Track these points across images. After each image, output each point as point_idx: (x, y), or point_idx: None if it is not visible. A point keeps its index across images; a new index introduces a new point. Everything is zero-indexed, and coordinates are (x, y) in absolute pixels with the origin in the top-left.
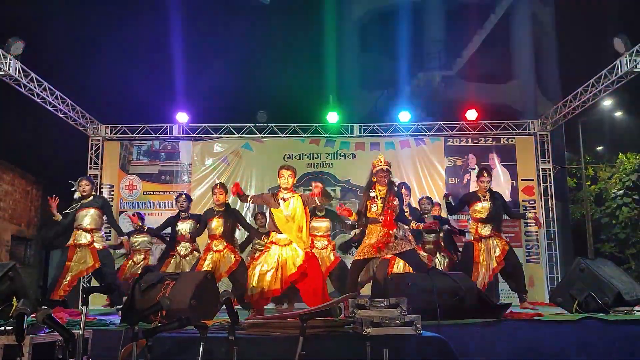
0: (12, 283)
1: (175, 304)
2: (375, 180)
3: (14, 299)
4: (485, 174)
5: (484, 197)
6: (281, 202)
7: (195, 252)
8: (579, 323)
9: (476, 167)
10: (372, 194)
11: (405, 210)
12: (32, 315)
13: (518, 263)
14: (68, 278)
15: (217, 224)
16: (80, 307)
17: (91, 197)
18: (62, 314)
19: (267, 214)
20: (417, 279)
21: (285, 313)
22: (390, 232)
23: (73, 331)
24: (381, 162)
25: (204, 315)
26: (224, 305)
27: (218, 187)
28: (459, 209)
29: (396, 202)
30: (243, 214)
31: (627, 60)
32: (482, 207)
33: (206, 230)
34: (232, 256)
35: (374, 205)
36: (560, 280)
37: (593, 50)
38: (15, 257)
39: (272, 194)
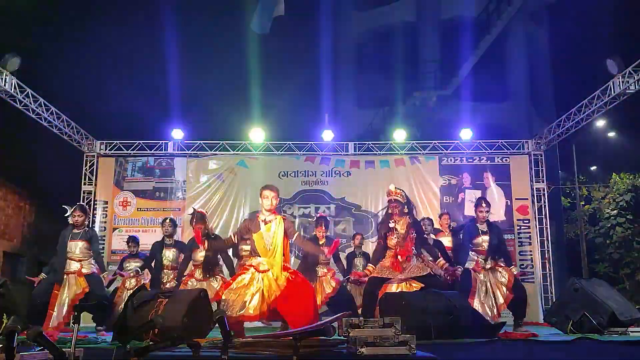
0: (3, 300)
1: (168, 321)
2: (391, 211)
3: (5, 316)
4: (484, 204)
5: (484, 230)
6: (262, 225)
7: (174, 282)
8: (574, 343)
9: (474, 188)
10: (390, 225)
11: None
12: (23, 333)
13: (524, 294)
14: (65, 309)
15: (201, 255)
16: (71, 324)
17: (83, 227)
18: (53, 332)
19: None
20: (411, 298)
21: (278, 332)
22: (407, 255)
23: (64, 349)
24: (393, 192)
25: (196, 333)
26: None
27: (199, 221)
28: (467, 247)
29: (413, 234)
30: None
31: (620, 82)
32: (482, 240)
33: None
34: (218, 279)
35: (394, 237)
36: (554, 300)
37: (586, 72)
38: (7, 274)
39: (249, 219)
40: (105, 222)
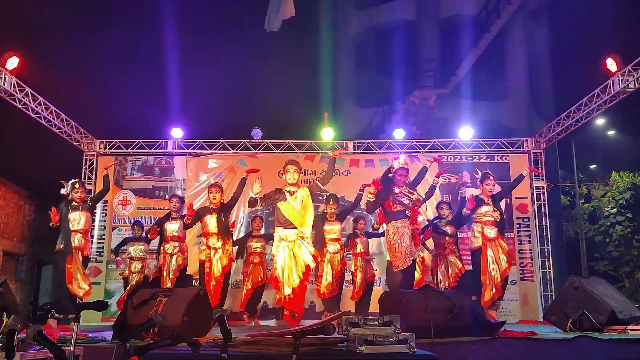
0: (3, 298)
1: (167, 320)
2: (397, 179)
3: (5, 315)
4: (490, 177)
5: (488, 200)
6: (287, 195)
7: (180, 254)
8: (573, 342)
9: (476, 176)
10: (396, 190)
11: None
12: (23, 331)
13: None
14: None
15: (211, 220)
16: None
17: (82, 201)
18: (53, 330)
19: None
20: (411, 297)
21: (278, 331)
22: (415, 222)
23: (64, 348)
24: (401, 162)
25: (196, 332)
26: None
27: (215, 186)
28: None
29: (415, 196)
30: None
31: (619, 80)
32: (487, 210)
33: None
34: (226, 257)
35: (404, 197)
36: (554, 298)
37: (586, 70)
38: (7, 273)
39: (277, 189)
40: (105, 221)
